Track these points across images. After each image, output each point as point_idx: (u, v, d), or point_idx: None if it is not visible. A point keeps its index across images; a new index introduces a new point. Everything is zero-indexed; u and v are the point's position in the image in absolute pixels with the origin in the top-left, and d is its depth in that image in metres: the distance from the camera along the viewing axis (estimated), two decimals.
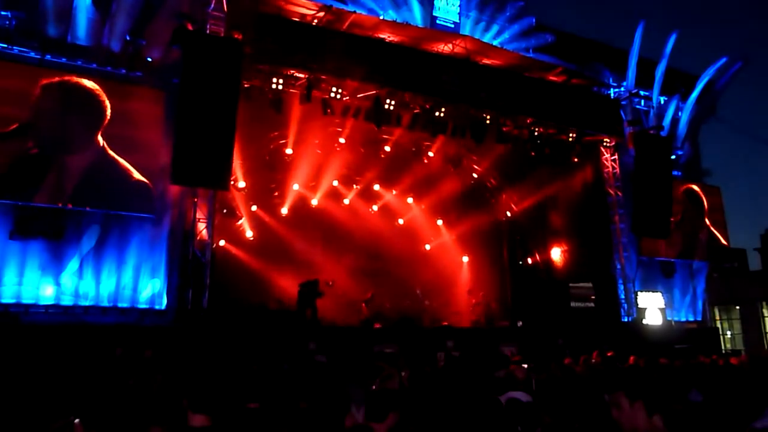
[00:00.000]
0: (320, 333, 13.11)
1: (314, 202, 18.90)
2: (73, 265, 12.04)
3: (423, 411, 3.95)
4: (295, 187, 18.38)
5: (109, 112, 12.28)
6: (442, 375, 6.67)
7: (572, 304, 18.29)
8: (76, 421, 3.40)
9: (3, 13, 12.00)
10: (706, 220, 20.49)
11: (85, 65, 12.59)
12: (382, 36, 14.62)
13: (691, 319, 19.82)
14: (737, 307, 25.97)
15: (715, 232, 20.65)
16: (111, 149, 12.39)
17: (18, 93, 11.73)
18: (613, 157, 17.95)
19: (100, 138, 12.28)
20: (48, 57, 12.28)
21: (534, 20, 17.56)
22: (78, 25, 12.30)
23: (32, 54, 12.20)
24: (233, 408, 3.83)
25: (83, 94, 12.22)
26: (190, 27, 11.94)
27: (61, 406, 3.73)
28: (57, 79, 12.06)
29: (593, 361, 9.47)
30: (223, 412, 3.46)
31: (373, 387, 5.36)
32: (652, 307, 17.20)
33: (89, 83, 12.31)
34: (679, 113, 20.25)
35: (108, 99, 12.44)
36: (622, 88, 18.60)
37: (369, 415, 3.53)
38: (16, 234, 11.44)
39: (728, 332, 26.01)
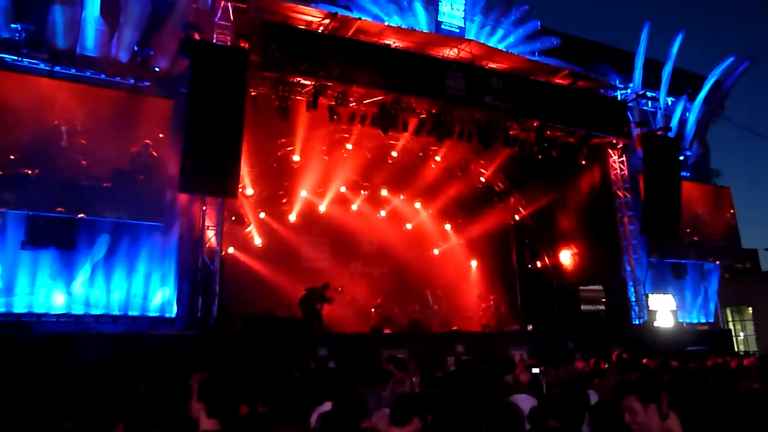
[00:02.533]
0: (329, 339, 13.13)
1: (322, 208, 18.95)
2: (84, 273, 12.13)
3: (434, 415, 3.93)
4: (303, 193, 18.44)
5: None
6: (453, 379, 6.65)
7: (582, 307, 18.19)
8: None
9: (12, 25, 12.12)
10: (717, 221, 20.35)
11: (93, 76, 12.71)
12: (387, 42, 14.66)
13: (703, 320, 19.68)
14: (750, 308, 25.77)
15: (726, 232, 20.51)
16: (120, 158, 12.50)
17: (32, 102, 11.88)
18: (620, 159, 17.87)
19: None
20: (57, 68, 12.40)
21: (539, 23, 17.56)
22: (86, 36, 12.42)
23: (42, 65, 12.32)
24: (243, 414, 3.85)
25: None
26: (197, 37, 12.03)
27: (70, 412, 3.75)
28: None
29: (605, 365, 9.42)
30: (232, 417, 3.48)
31: (384, 392, 5.36)
32: (663, 310, 17.07)
33: None
34: (687, 114, 20.17)
35: (116, 108, 12.56)
36: (629, 90, 18.55)
37: (393, 418, 3.53)
38: (28, 244, 11.55)
39: (741, 334, 25.80)
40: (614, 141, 17.56)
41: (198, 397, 3.42)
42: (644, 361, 9.67)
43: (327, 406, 4.24)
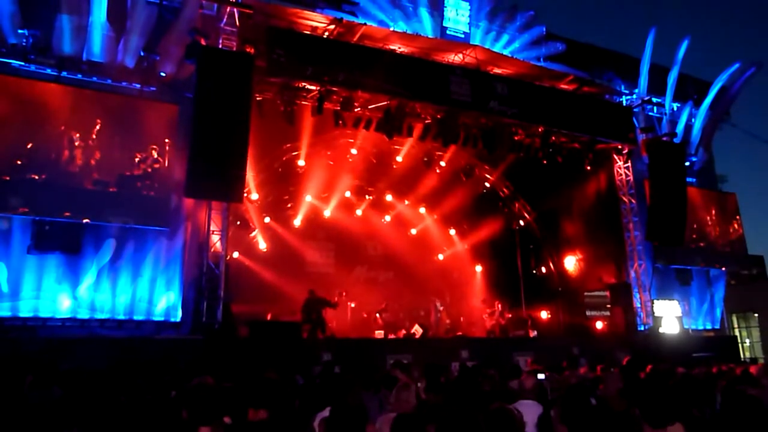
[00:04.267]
0: (334, 344, 13.13)
1: (327, 213, 18.97)
2: (89, 278, 12.16)
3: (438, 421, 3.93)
4: (308, 198, 18.47)
5: None
6: (457, 386, 6.63)
7: (587, 313, 18.14)
8: None
9: (20, 31, 12.20)
10: (723, 227, 20.26)
11: (100, 81, 12.77)
12: (392, 47, 14.70)
13: (709, 327, 19.58)
14: (756, 315, 25.62)
15: (732, 238, 20.42)
16: (126, 163, 12.55)
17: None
18: (626, 165, 17.84)
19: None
20: (64, 74, 12.47)
21: (544, 29, 17.56)
22: (93, 42, 12.48)
23: (48, 71, 12.38)
24: (241, 421, 3.83)
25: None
26: (203, 42, 12.09)
27: (75, 420, 3.75)
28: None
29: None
30: (231, 424, 3.46)
31: (390, 398, 5.35)
32: (668, 316, 17.00)
33: None
34: (693, 120, 20.11)
35: (122, 113, 12.64)
36: (634, 96, 18.53)
37: None
38: (34, 249, 11.59)
39: (747, 340, 25.65)
40: (619, 146, 17.52)
41: (185, 403, 3.39)
42: (649, 367, 9.63)
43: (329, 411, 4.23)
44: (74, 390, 6.12)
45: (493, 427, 3.43)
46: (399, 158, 18.14)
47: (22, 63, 12.23)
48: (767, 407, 4.07)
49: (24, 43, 12.22)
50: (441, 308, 18.54)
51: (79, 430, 3.51)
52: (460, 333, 17.31)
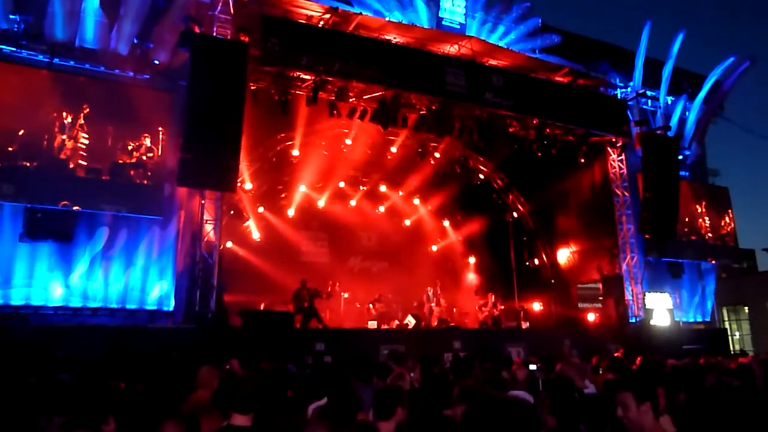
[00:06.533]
0: (327, 334, 13.16)
1: (321, 203, 18.95)
2: (82, 266, 12.12)
3: (430, 410, 3.95)
4: (302, 188, 18.43)
5: None
6: (448, 376, 6.67)
7: (579, 305, 18.25)
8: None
9: (11, 17, 12.06)
10: (715, 221, 20.37)
11: (92, 68, 12.65)
12: (388, 37, 14.63)
13: (700, 319, 19.72)
14: (746, 308, 25.85)
15: (724, 232, 20.54)
16: (119, 151, 12.47)
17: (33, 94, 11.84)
18: (620, 158, 17.88)
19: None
20: (56, 60, 12.35)
21: (540, 21, 17.50)
22: (86, 28, 12.35)
23: (40, 57, 12.27)
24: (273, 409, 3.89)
25: None
26: (197, 30, 12.00)
27: (72, 407, 3.75)
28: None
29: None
30: (263, 412, 3.52)
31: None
32: (659, 308, 17.11)
33: None
34: (687, 113, 20.15)
35: (115, 101, 12.54)
36: (629, 89, 18.53)
37: (377, 413, 3.55)
38: (26, 236, 11.52)
39: (737, 333, 25.88)
40: (613, 139, 17.57)
41: (223, 391, 3.49)
42: (639, 359, 9.70)
43: (324, 401, 4.25)
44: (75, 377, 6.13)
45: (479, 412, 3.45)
46: (393, 149, 18.10)
47: (14, 49, 12.10)
48: (753, 398, 4.11)
49: (15, 29, 12.09)
50: (432, 296, 18.57)
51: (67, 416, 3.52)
52: (452, 324, 17.36)
